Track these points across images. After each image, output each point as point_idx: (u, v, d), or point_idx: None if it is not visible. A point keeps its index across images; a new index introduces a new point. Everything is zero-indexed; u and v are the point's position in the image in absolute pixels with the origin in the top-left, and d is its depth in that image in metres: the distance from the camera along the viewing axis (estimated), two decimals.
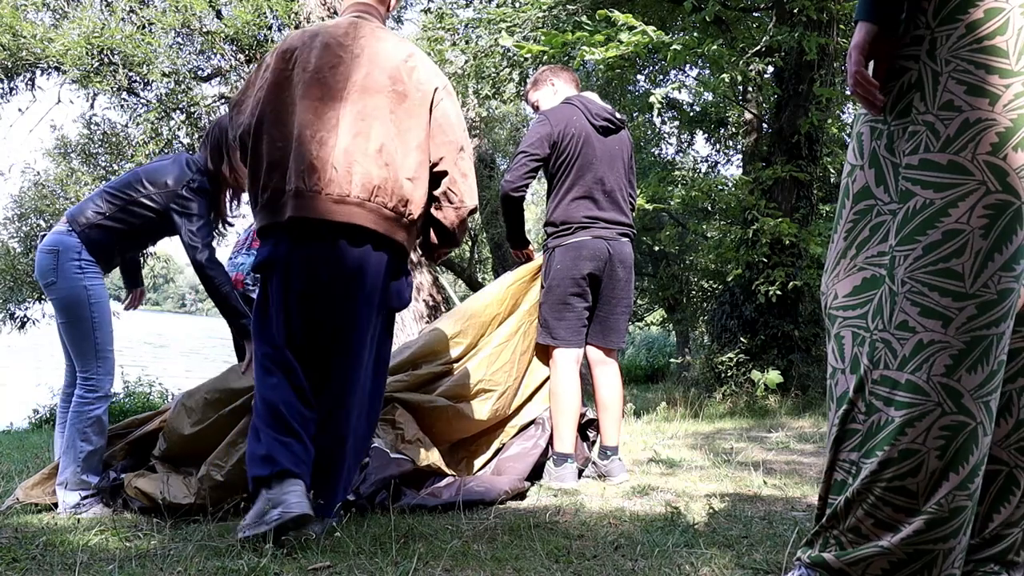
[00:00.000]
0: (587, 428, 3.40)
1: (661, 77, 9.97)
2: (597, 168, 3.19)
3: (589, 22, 6.64)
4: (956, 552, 1.40)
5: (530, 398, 3.29)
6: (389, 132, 2.24)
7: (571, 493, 2.89)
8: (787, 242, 7.17)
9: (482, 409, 3.04)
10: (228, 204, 2.91)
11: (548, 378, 3.27)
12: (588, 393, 3.37)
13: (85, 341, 2.66)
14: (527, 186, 3.23)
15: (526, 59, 8.00)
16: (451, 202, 2.37)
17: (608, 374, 3.27)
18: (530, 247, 3.44)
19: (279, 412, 2.15)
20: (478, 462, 3.12)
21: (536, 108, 3.46)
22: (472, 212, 2.41)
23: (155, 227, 2.76)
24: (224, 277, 2.70)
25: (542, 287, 3.24)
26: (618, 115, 3.32)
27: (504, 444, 3.18)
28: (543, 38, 6.54)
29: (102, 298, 2.70)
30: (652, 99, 6.44)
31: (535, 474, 3.11)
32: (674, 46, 6.07)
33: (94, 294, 2.67)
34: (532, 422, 3.24)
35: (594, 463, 3.27)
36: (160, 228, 2.77)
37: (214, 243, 2.76)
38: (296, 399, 2.20)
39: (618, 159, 3.26)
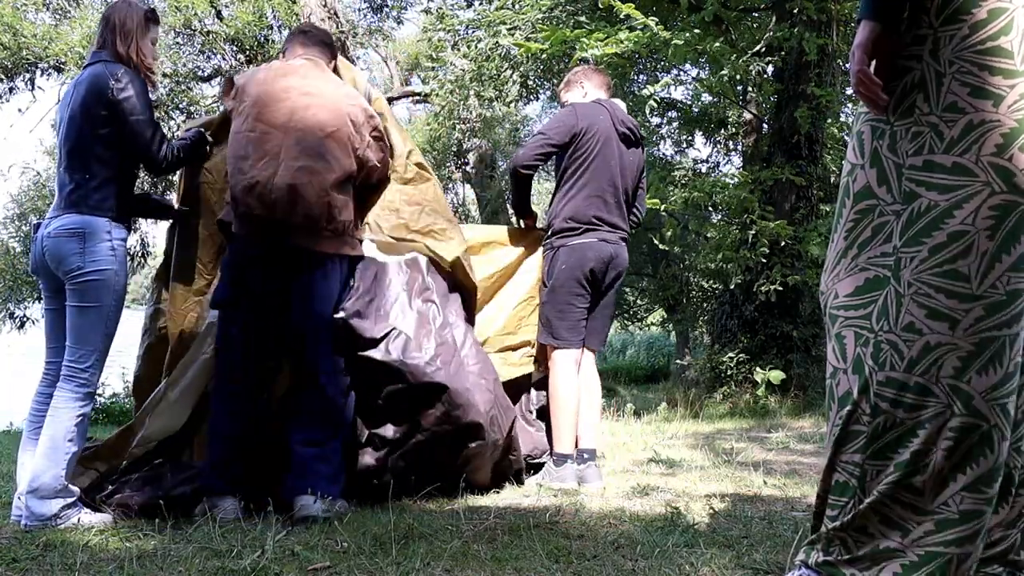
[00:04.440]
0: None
1: (661, 75, 9.95)
2: (614, 171, 3.19)
3: (588, 22, 6.64)
4: (971, 560, 1.39)
5: None
6: None
7: (571, 493, 2.89)
8: (785, 243, 7.17)
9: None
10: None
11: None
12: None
13: (95, 330, 2.49)
14: (537, 167, 3.24)
15: (527, 60, 8.00)
16: None
17: (587, 375, 3.26)
18: (534, 215, 3.45)
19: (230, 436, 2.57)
20: None
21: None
22: None
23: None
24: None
25: (543, 286, 3.24)
26: (639, 131, 3.34)
27: None
28: (543, 35, 6.55)
29: (124, 286, 2.56)
30: (647, 91, 6.45)
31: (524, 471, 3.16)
32: (675, 41, 6.07)
33: (121, 281, 2.53)
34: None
35: None
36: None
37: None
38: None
39: (630, 170, 3.28)
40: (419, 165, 2.97)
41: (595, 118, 3.19)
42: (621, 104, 3.35)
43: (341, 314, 2.62)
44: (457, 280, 2.97)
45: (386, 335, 2.63)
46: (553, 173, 3.46)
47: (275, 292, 2.61)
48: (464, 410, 2.61)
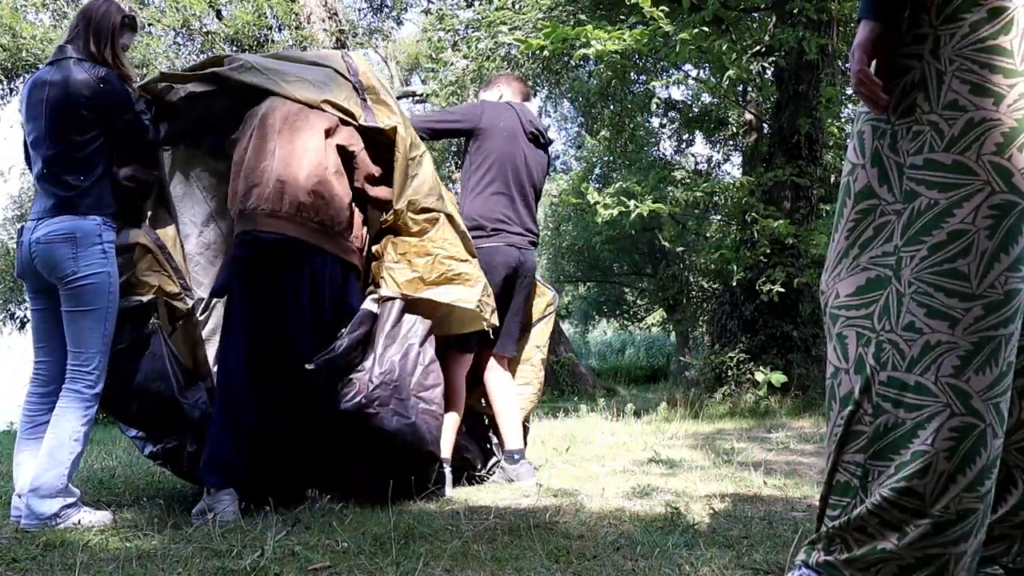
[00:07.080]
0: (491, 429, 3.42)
1: (661, 75, 9.96)
2: (519, 168, 3.22)
3: (589, 20, 6.66)
4: (968, 556, 1.38)
5: None
6: None
7: (571, 493, 2.89)
8: (788, 242, 7.18)
9: None
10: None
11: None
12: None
13: (95, 331, 2.50)
14: (432, 136, 3.25)
15: (527, 59, 8.01)
16: None
17: (501, 379, 3.25)
18: None
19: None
20: None
21: None
22: None
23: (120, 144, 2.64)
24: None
25: None
26: (547, 134, 3.39)
27: None
28: (544, 32, 6.56)
29: (117, 286, 2.56)
30: (658, 88, 6.47)
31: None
32: (682, 36, 6.08)
33: (114, 282, 2.54)
34: None
35: (502, 467, 3.23)
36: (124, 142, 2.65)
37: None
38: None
39: (536, 171, 3.32)
40: (423, 210, 2.80)
41: (501, 116, 3.23)
42: (532, 107, 3.42)
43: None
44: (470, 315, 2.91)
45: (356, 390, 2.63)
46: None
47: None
48: (423, 443, 2.69)
